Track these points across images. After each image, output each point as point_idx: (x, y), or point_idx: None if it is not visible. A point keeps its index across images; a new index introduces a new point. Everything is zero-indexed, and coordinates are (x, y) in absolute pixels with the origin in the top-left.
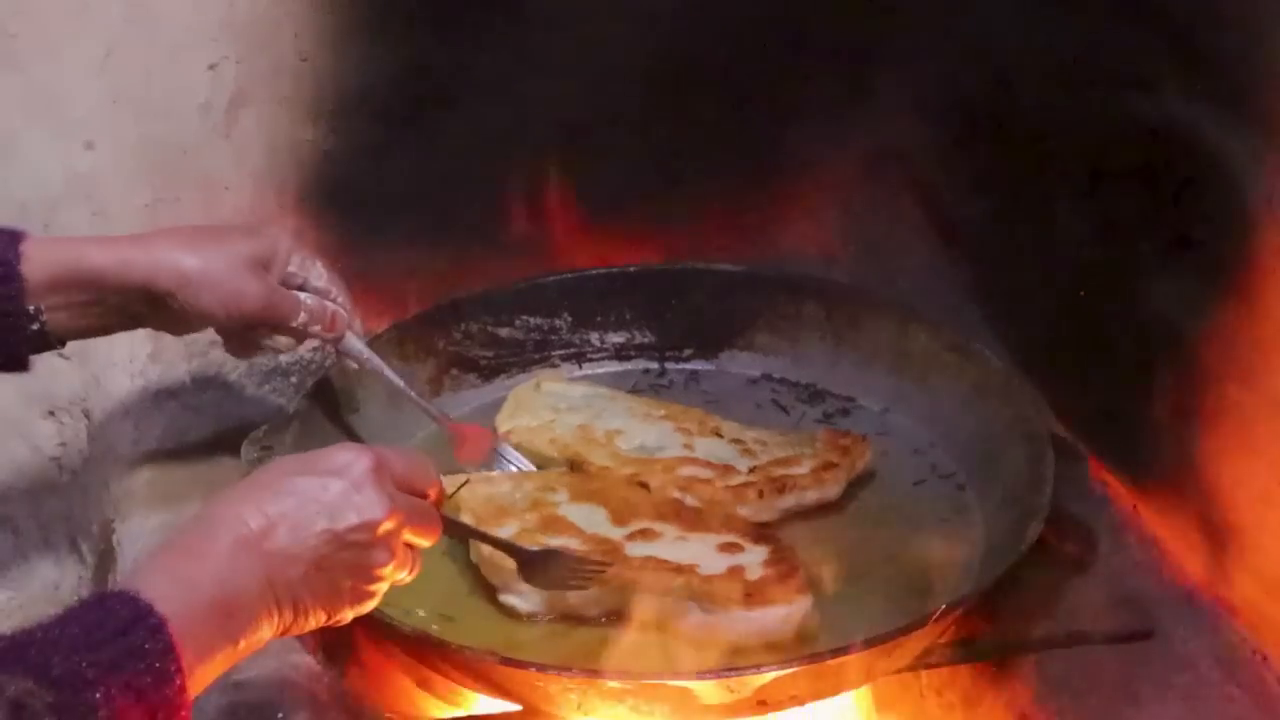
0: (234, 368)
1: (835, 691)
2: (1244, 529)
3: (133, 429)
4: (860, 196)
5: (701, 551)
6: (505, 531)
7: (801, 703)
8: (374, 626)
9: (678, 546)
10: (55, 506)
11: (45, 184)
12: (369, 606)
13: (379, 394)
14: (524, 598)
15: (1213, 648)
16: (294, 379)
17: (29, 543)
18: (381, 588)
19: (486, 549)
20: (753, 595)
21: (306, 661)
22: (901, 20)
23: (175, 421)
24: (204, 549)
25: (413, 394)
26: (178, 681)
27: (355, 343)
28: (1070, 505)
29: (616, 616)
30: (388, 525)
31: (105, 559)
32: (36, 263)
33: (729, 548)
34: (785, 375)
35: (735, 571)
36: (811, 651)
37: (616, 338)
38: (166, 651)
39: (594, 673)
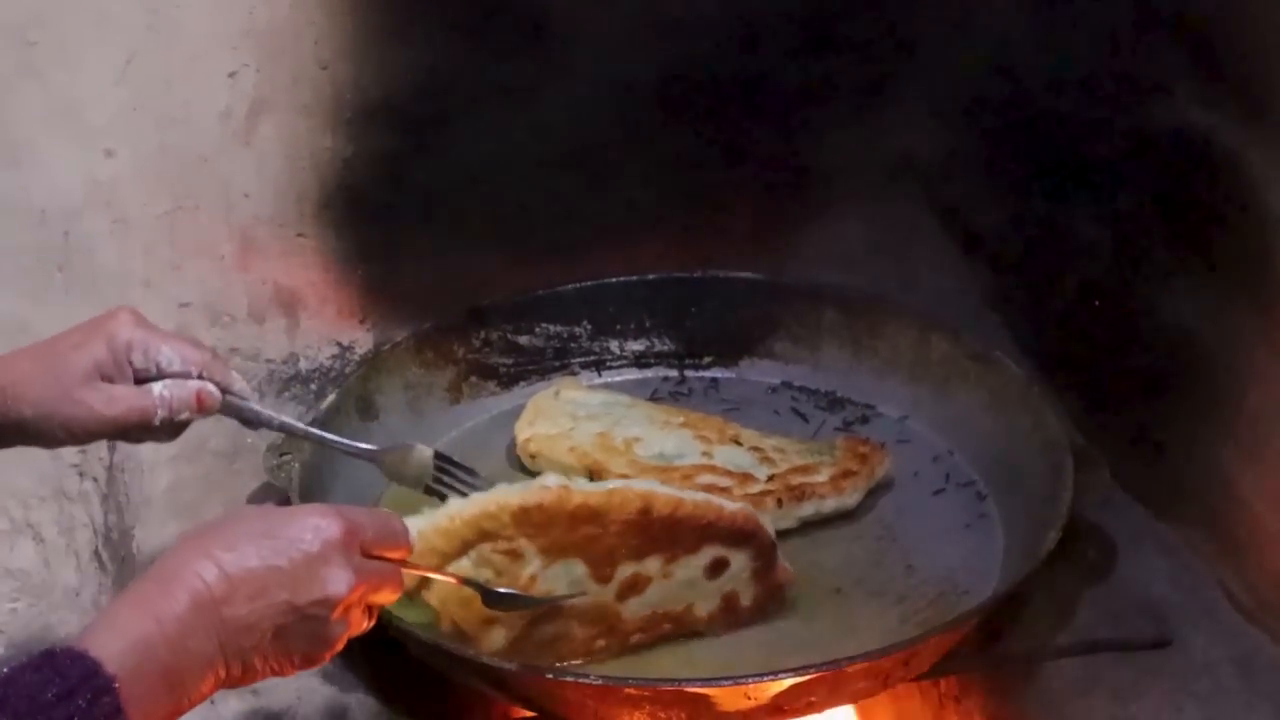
0: (253, 376)
1: (853, 699)
2: (1263, 536)
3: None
4: (880, 205)
5: (690, 581)
6: (497, 640)
7: (819, 709)
8: (391, 634)
9: (669, 588)
10: (76, 514)
11: (65, 192)
12: (318, 665)
13: (399, 402)
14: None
15: (1232, 655)
16: (314, 386)
17: (51, 550)
18: (332, 653)
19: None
20: (756, 616)
21: (324, 668)
22: (921, 31)
23: (195, 429)
24: (160, 609)
25: (328, 436)
26: None
27: (238, 404)
28: (1089, 513)
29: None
30: (349, 600)
31: (126, 567)
32: None
33: (716, 567)
34: (805, 383)
35: (730, 601)
36: (830, 659)
37: (636, 345)
38: (114, 714)
39: (612, 679)
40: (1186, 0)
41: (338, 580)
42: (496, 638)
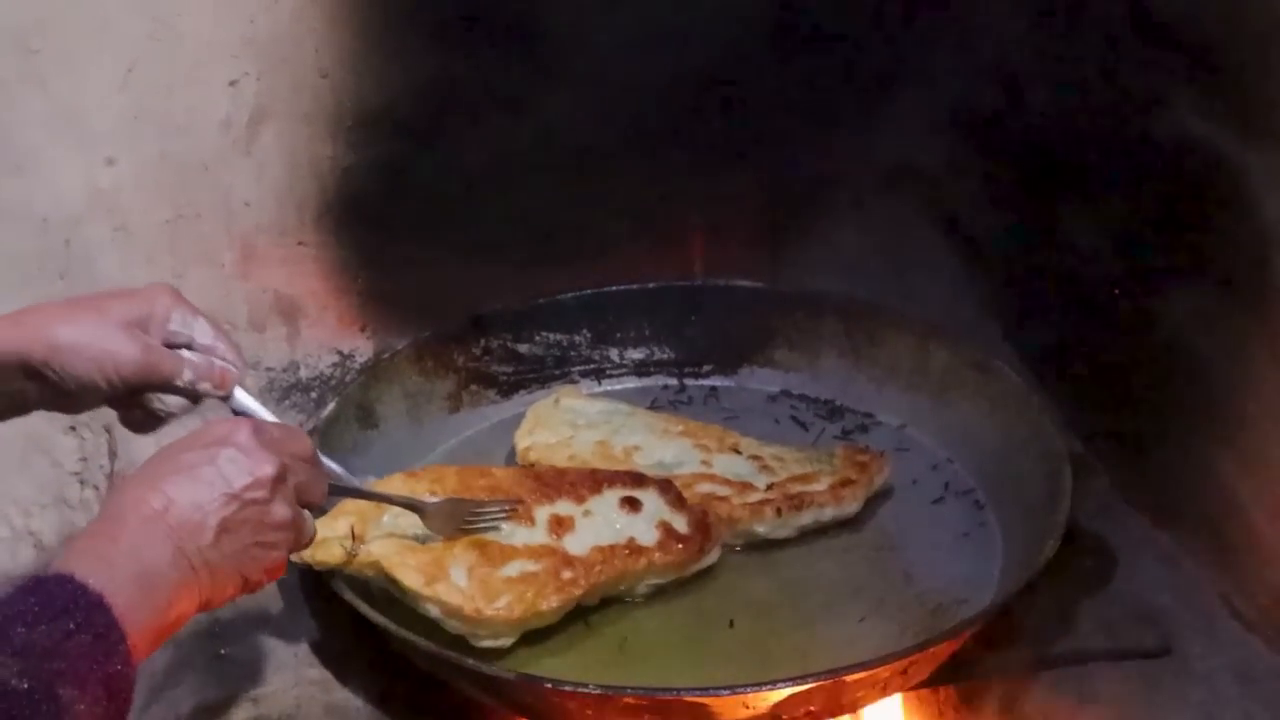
0: (254, 384)
1: (853, 708)
2: (1261, 545)
3: (154, 445)
4: (879, 214)
5: (617, 520)
6: (458, 581)
7: (818, 719)
8: (392, 644)
9: (596, 523)
10: (78, 521)
11: (67, 200)
12: (279, 570)
13: (399, 410)
14: (507, 638)
15: (1230, 664)
16: (314, 394)
17: (53, 557)
18: (284, 545)
19: (434, 609)
20: (701, 545)
21: (324, 676)
22: (920, 39)
23: None
24: (114, 532)
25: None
26: (123, 651)
27: (246, 399)
28: (1088, 521)
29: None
30: (278, 479)
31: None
32: None
33: (631, 505)
34: (804, 391)
35: (668, 531)
36: (828, 668)
37: (636, 354)
38: (110, 624)
39: (610, 688)
40: (1185, 10)
41: (262, 462)
42: (458, 579)
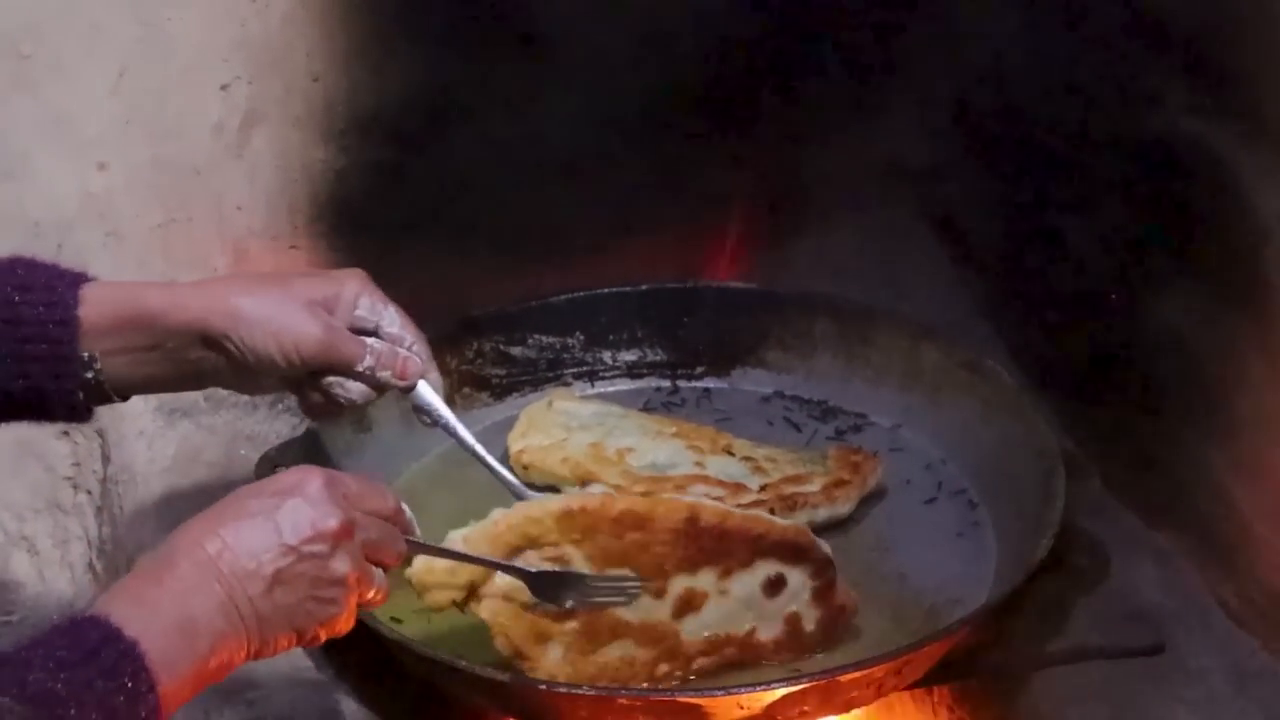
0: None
1: (847, 708)
2: (1255, 543)
3: (146, 449)
4: (871, 215)
5: (749, 601)
6: (553, 658)
7: (813, 719)
8: (386, 646)
9: (727, 606)
10: (70, 526)
11: (59, 204)
12: (340, 624)
13: (392, 415)
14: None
15: (1224, 662)
16: None
17: (45, 562)
18: (346, 601)
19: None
20: (824, 642)
21: (319, 679)
22: (911, 40)
23: (189, 441)
24: (162, 575)
25: (489, 459)
26: (151, 701)
27: (429, 395)
28: (1081, 520)
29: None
30: (342, 534)
31: (120, 578)
32: (93, 304)
33: (774, 586)
34: (797, 392)
35: (793, 624)
36: (823, 668)
37: (629, 356)
38: (138, 671)
39: (605, 690)
40: (1177, 8)
41: (326, 515)
42: (553, 656)
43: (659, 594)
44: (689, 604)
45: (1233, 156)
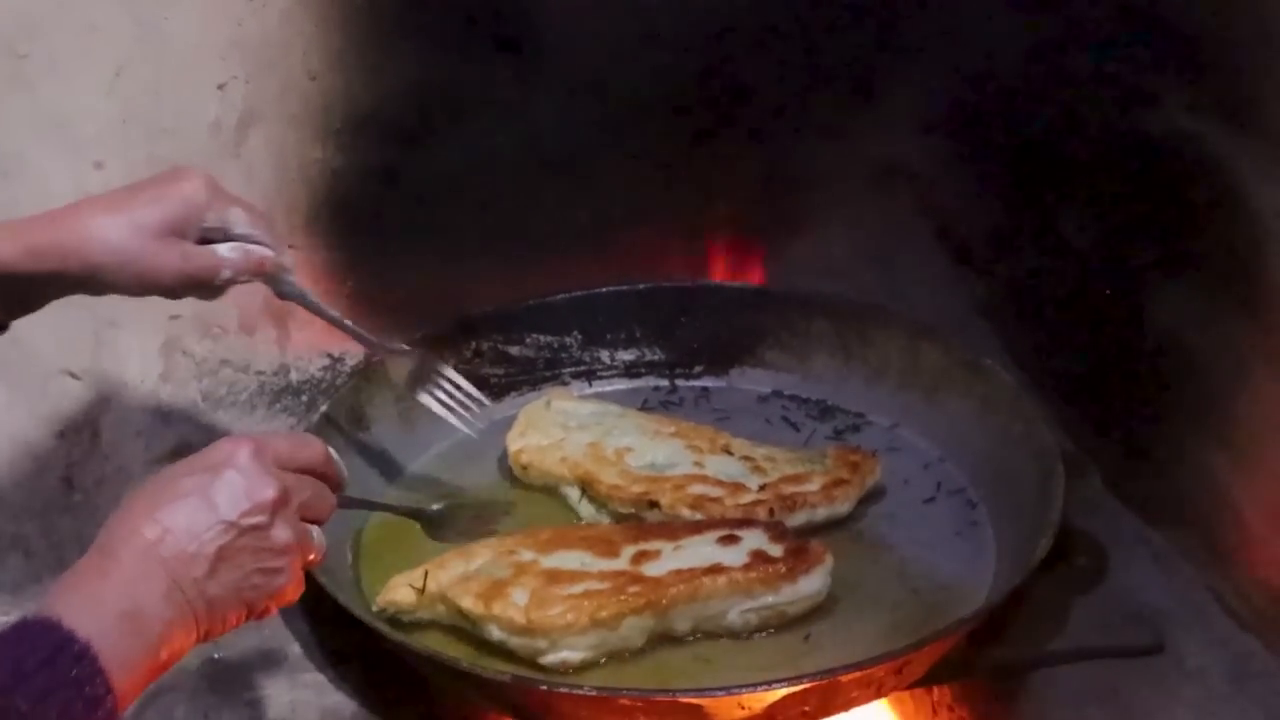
0: (245, 388)
1: (846, 707)
2: (1254, 542)
3: (144, 449)
4: (869, 213)
5: (710, 552)
6: (518, 600)
7: (814, 719)
8: (386, 646)
9: (684, 554)
10: (67, 527)
11: (55, 203)
12: (289, 593)
13: (390, 414)
14: (572, 650)
15: (1223, 662)
16: (304, 398)
17: (41, 563)
18: (291, 569)
19: (495, 629)
20: (793, 568)
21: (319, 680)
22: (907, 38)
23: (186, 441)
24: (106, 567)
25: (349, 323)
26: (108, 704)
27: (288, 282)
28: (1080, 520)
29: (663, 638)
30: (280, 502)
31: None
32: None
33: (728, 540)
34: (795, 391)
35: (759, 555)
36: (823, 668)
37: (626, 355)
38: (94, 675)
39: (605, 690)
40: (1174, 7)
41: (261, 486)
42: (518, 600)
43: (613, 554)
44: (644, 556)
45: (1231, 156)
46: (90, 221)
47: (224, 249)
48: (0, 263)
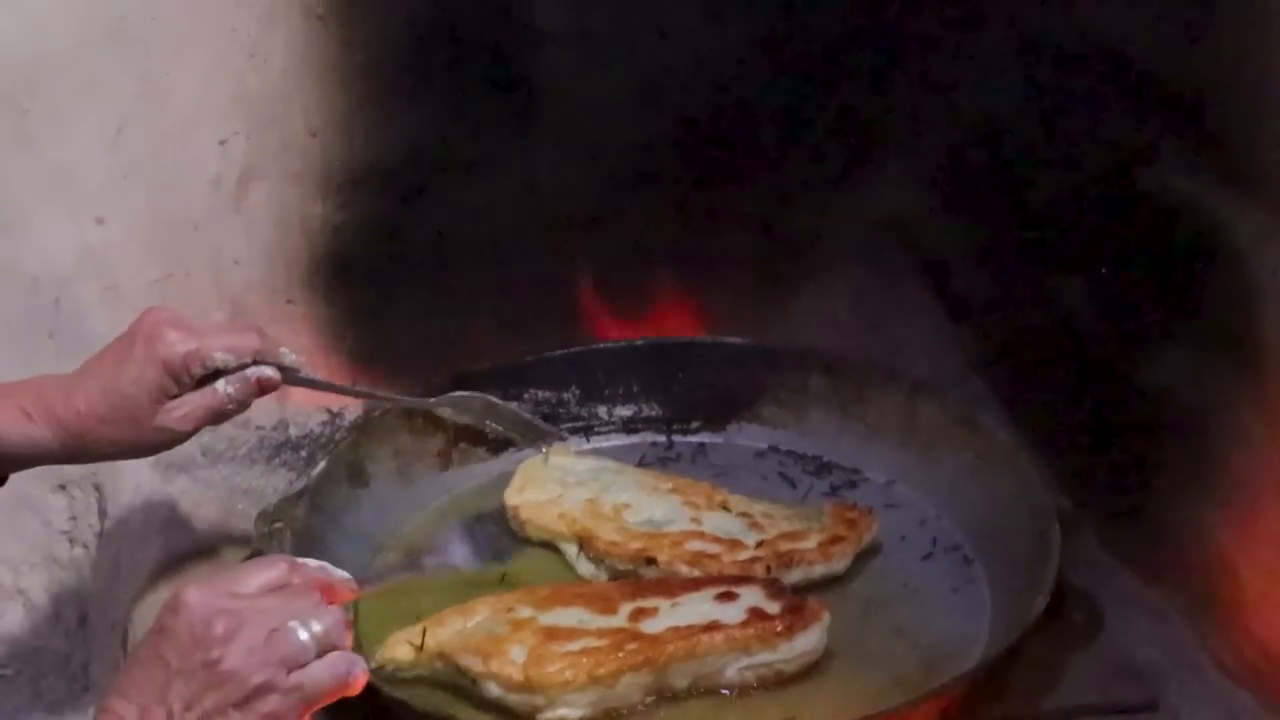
0: (244, 442)
1: None
2: (1250, 601)
3: (143, 504)
4: (866, 270)
5: (708, 609)
6: (516, 657)
7: None
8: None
9: (682, 611)
10: (67, 580)
11: (56, 259)
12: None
13: (389, 469)
14: (570, 708)
15: (1218, 718)
16: (304, 453)
17: (40, 616)
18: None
19: (493, 686)
20: (791, 625)
21: None
22: (905, 95)
23: (186, 495)
24: None
25: (380, 393)
26: None
27: (296, 378)
28: (1076, 577)
29: (661, 695)
30: (229, 632)
31: (116, 633)
32: None
33: (726, 597)
34: (792, 447)
35: (757, 612)
36: None
37: (624, 411)
38: None
39: None
40: (1171, 67)
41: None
42: (515, 657)
43: (611, 610)
44: (642, 613)
45: (1228, 215)
46: (88, 424)
47: (221, 385)
48: (31, 443)
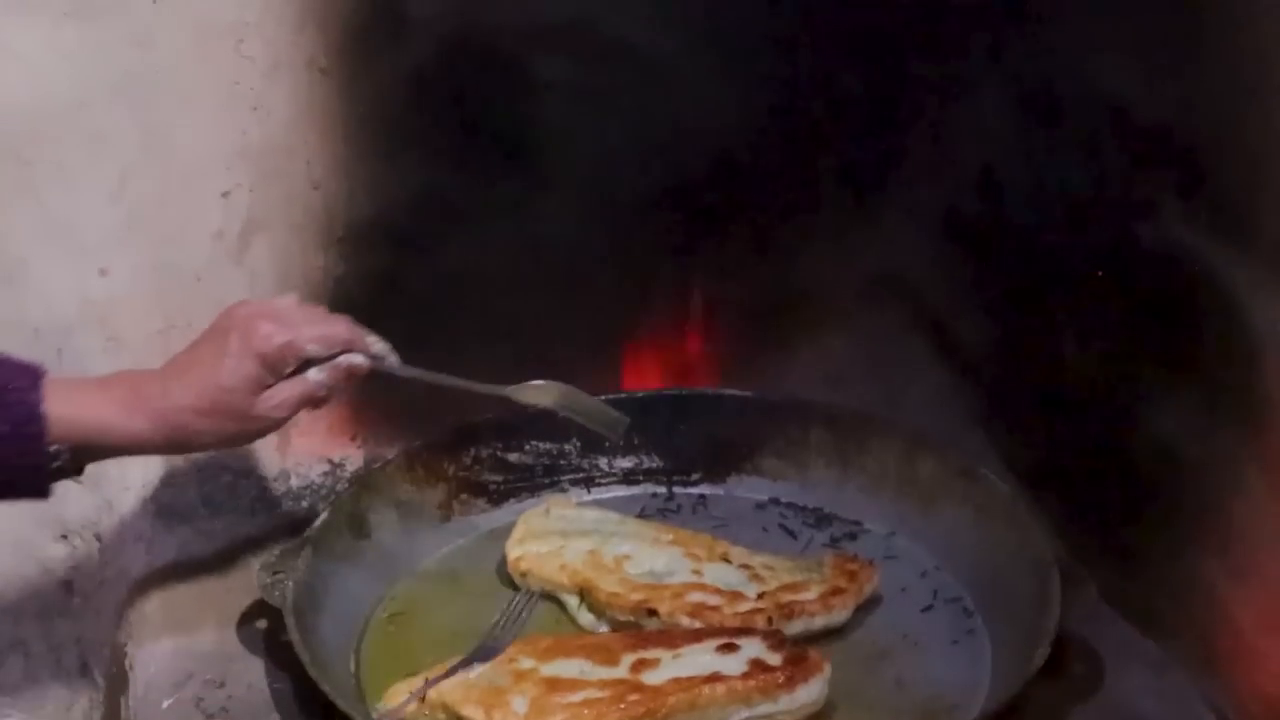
0: (246, 493)
1: None
2: (1249, 652)
3: (145, 553)
4: (866, 322)
5: (709, 660)
6: (518, 708)
7: None
8: None
9: (684, 663)
10: (67, 629)
11: (59, 310)
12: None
13: (390, 519)
14: None
15: None
16: (305, 503)
17: (40, 665)
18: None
19: None
20: (792, 676)
21: None
22: (905, 148)
23: (187, 545)
24: None
25: (462, 381)
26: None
27: (383, 367)
28: (1076, 628)
29: None
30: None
31: (117, 682)
32: (58, 425)
33: (727, 648)
34: (793, 499)
35: (758, 664)
36: None
37: (625, 462)
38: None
39: None
40: (1171, 119)
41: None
42: (517, 708)
43: (613, 661)
44: (644, 664)
45: (1228, 268)
46: (196, 425)
47: (313, 374)
48: (109, 440)
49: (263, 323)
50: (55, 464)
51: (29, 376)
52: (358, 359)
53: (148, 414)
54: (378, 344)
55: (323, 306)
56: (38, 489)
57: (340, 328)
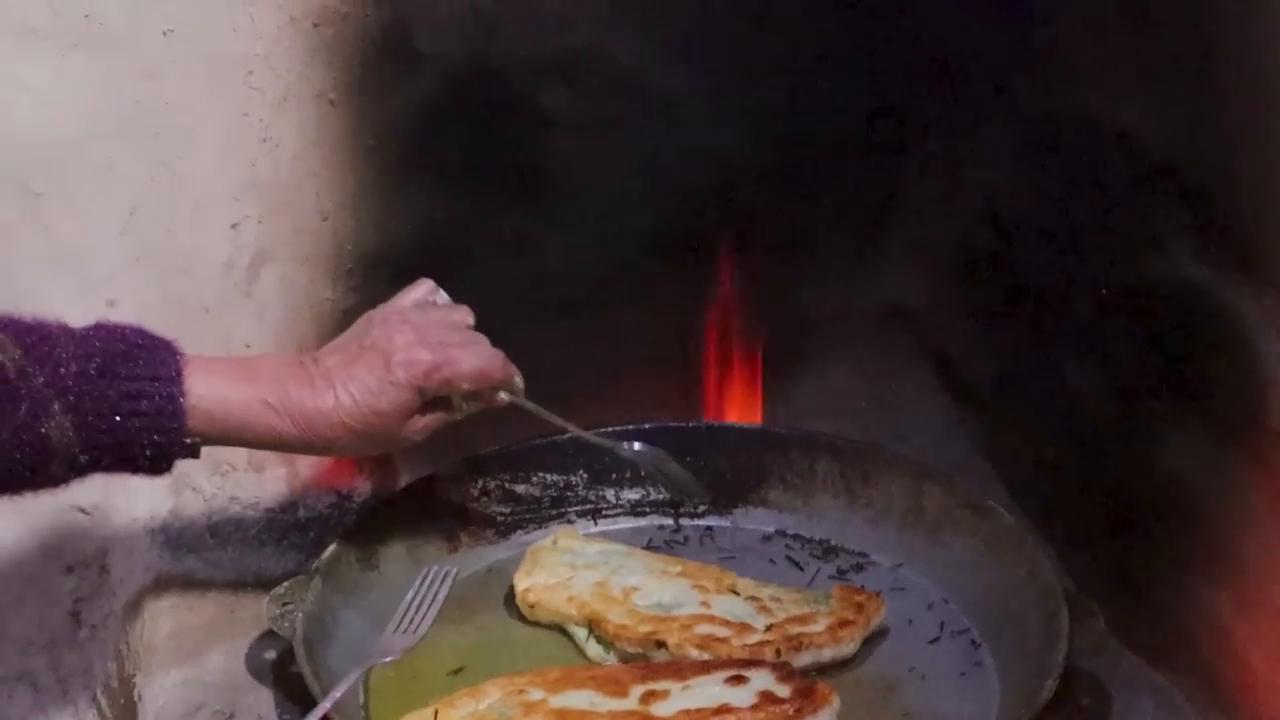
0: (254, 524)
1: None
2: (1257, 685)
3: (152, 585)
4: (872, 355)
5: (718, 692)
6: None
7: None
8: None
9: (693, 695)
10: (74, 662)
11: None
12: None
13: (398, 551)
14: None
15: None
16: (312, 534)
17: (48, 697)
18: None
19: None
20: (801, 708)
21: None
22: (910, 182)
23: (195, 577)
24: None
25: (574, 427)
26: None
27: (518, 406)
28: (1084, 661)
29: None
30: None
31: (125, 714)
32: (197, 412)
33: (736, 680)
34: (799, 531)
35: (767, 695)
36: None
37: (632, 494)
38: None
39: None
40: (1181, 154)
41: None
42: None
43: (622, 693)
44: (653, 696)
45: (1235, 301)
46: (341, 437)
47: (457, 401)
48: (252, 435)
49: (422, 352)
50: (185, 451)
51: (171, 360)
52: (503, 396)
53: (294, 417)
54: (519, 382)
55: (469, 325)
56: (157, 469)
57: (495, 364)
